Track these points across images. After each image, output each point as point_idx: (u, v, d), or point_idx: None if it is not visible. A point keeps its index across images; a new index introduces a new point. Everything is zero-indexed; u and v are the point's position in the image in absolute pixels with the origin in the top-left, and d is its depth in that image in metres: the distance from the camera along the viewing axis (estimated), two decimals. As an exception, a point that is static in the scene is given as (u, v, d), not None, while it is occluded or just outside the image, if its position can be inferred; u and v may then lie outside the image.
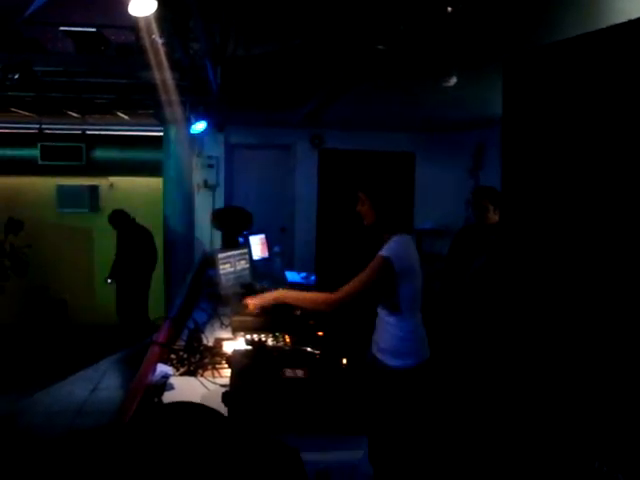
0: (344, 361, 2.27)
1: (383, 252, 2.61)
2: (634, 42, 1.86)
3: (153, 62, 4.37)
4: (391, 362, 2.71)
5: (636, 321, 1.99)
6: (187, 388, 2.30)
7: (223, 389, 2.11)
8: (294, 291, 2.91)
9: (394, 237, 2.68)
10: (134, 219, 7.12)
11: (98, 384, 4.22)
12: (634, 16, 1.89)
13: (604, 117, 2.02)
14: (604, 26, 2.02)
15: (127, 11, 2.83)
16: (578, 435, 2.24)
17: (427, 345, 2.80)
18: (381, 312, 2.79)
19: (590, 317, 2.18)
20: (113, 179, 8.32)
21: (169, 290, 7.00)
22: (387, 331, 2.75)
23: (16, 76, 4.94)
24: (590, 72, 2.05)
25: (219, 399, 1.99)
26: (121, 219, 7.03)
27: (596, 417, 2.16)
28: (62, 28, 5.41)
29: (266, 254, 5.26)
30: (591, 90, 2.05)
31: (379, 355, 2.78)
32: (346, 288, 2.59)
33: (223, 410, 1.92)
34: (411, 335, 2.71)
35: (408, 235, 2.74)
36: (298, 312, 2.93)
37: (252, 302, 2.87)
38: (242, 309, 2.95)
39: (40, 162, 7.47)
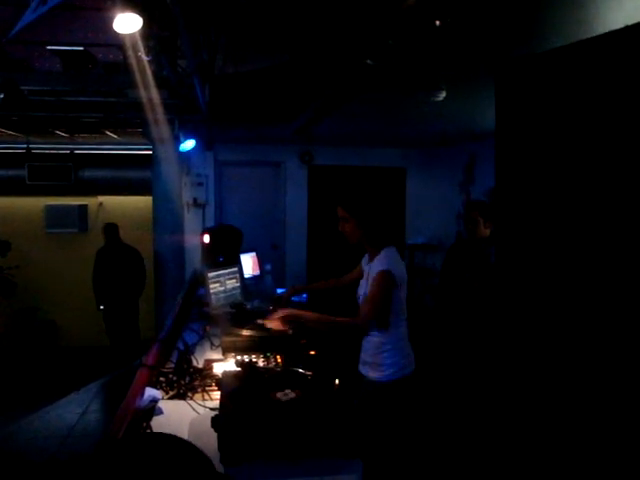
0: (337, 382, 2.22)
1: (383, 267, 2.61)
2: (624, 49, 1.85)
3: (140, 80, 4.34)
4: (372, 374, 2.71)
5: (629, 330, 1.96)
6: (176, 412, 2.24)
7: (213, 413, 2.05)
8: (315, 314, 2.70)
9: (383, 251, 2.71)
10: (119, 238, 7.05)
11: (87, 407, 4.13)
12: (618, 25, 1.88)
13: (596, 124, 2.00)
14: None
15: (114, 29, 2.80)
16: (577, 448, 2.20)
17: (412, 359, 2.78)
18: None
19: (588, 329, 2.14)
20: (102, 198, 8.27)
21: (159, 309, 6.92)
22: (369, 343, 2.74)
23: (2, 95, 4.89)
24: (582, 79, 2.04)
25: (209, 423, 1.93)
26: (109, 233, 6.96)
27: (596, 431, 2.12)
28: (49, 47, 5.39)
29: (257, 272, 5.20)
30: (583, 97, 2.04)
31: (362, 369, 2.78)
32: (365, 312, 2.60)
33: (213, 435, 1.86)
34: (393, 347, 2.69)
35: (394, 247, 2.76)
36: (290, 331, 2.87)
37: (272, 323, 2.80)
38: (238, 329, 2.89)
39: (28, 182, 7.40)
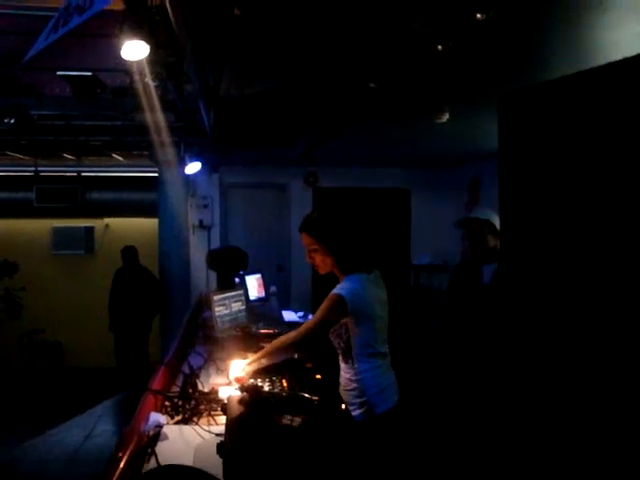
0: (343, 406, 2.22)
1: (336, 290, 2.45)
2: (624, 80, 1.88)
3: (147, 104, 4.40)
4: (351, 412, 2.49)
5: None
6: (181, 437, 2.23)
7: (219, 438, 2.04)
8: (260, 351, 2.62)
9: (348, 277, 2.52)
10: (138, 260, 7.08)
11: (92, 430, 4.12)
12: (619, 56, 1.91)
13: (598, 152, 2.02)
14: (593, 63, 2.05)
15: (121, 55, 2.85)
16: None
17: (389, 395, 2.55)
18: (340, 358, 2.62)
19: (594, 351, 2.14)
20: (108, 220, 8.32)
21: (165, 332, 6.93)
22: (341, 378, 2.58)
23: (12, 120, 4.96)
24: (582, 108, 2.07)
25: (214, 449, 1.93)
26: (127, 255, 7.00)
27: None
28: (59, 72, 5.48)
29: (262, 294, 5.22)
30: (583, 125, 2.06)
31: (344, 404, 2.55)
32: (301, 328, 2.50)
33: (218, 462, 1.85)
34: (359, 385, 2.47)
35: (366, 274, 2.56)
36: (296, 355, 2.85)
37: (238, 381, 2.54)
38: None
39: (36, 204, 7.47)
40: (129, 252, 7.02)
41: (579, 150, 2.11)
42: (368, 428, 2.46)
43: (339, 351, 2.57)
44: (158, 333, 7.13)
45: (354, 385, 2.49)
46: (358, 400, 2.47)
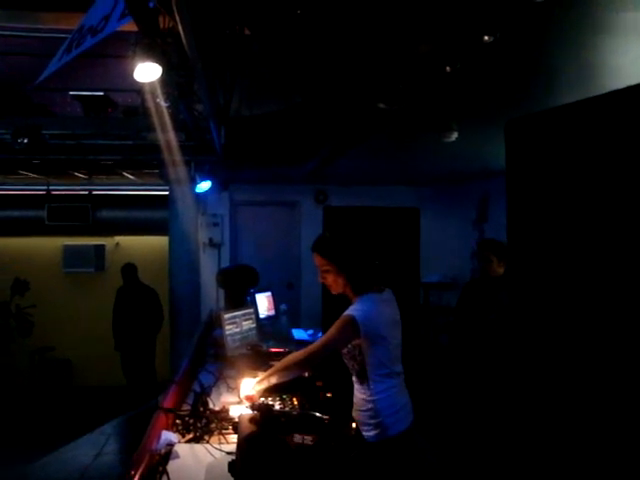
0: (353, 426, 2.21)
1: (348, 311, 2.46)
2: (628, 108, 1.91)
3: (158, 124, 4.45)
4: (363, 432, 2.47)
5: None
6: (193, 456, 2.23)
7: (230, 457, 2.04)
8: (269, 370, 2.60)
9: (360, 298, 2.53)
10: (138, 278, 7.10)
11: (102, 449, 4.11)
12: (625, 79, 1.93)
13: (604, 178, 2.04)
14: (598, 85, 2.08)
15: (133, 76, 2.90)
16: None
17: (404, 415, 2.54)
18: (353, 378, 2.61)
19: (608, 371, 2.13)
20: (119, 238, 8.36)
21: (175, 350, 6.93)
22: (355, 398, 2.57)
23: (25, 140, 5.03)
24: (588, 136, 2.08)
25: (226, 468, 1.93)
26: (127, 273, 7.03)
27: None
28: (71, 92, 5.57)
29: (272, 312, 5.22)
30: (589, 152, 2.08)
31: (357, 424, 2.53)
32: (310, 347, 2.48)
33: (230, 480, 1.86)
34: (374, 405, 2.46)
35: (379, 294, 2.57)
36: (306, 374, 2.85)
37: (249, 399, 2.54)
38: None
39: (47, 222, 7.54)
40: (128, 270, 7.04)
41: (584, 174, 2.12)
42: (381, 449, 2.44)
43: (353, 372, 2.56)
44: (167, 351, 7.13)
45: (369, 406, 2.47)
46: (372, 421, 2.46)
